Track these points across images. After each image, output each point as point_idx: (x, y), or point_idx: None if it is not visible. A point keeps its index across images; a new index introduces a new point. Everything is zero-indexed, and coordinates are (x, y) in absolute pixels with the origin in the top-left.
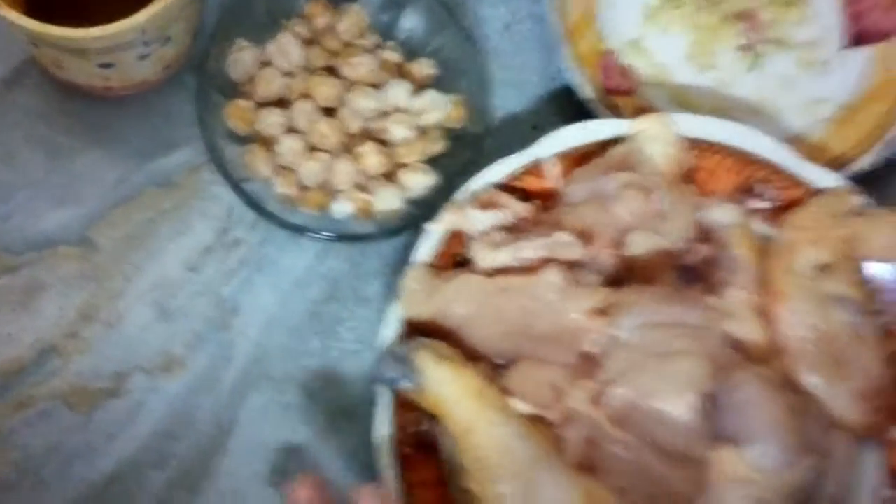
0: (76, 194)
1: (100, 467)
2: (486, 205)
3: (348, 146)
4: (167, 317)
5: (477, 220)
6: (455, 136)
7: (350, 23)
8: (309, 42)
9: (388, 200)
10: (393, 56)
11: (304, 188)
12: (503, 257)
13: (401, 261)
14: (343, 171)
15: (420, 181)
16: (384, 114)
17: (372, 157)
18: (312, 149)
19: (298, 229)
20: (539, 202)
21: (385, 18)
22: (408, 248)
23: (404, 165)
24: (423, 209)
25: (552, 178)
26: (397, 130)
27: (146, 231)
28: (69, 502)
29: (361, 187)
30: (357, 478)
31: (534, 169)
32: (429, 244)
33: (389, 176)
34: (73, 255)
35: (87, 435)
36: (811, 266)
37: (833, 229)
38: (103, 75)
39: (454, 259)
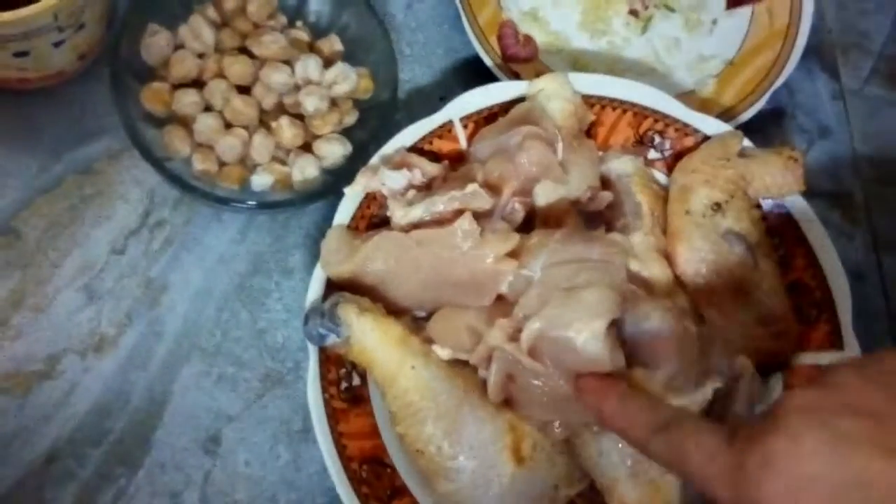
0: None
1: (38, 448)
2: (399, 166)
3: (264, 121)
4: (96, 299)
5: (391, 181)
6: (365, 108)
7: (259, 4)
8: (220, 24)
9: (305, 170)
10: (302, 34)
11: (223, 164)
12: (417, 212)
13: (321, 231)
14: (260, 145)
15: (334, 150)
16: (296, 88)
17: (287, 130)
18: (229, 125)
19: (221, 201)
20: (448, 163)
21: (293, 0)
22: (327, 219)
23: (319, 136)
24: (339, 177)
25: (460, 139)
26: (310, 103)
27: (70, 218)
28: (10, 483)
29: (279, 160)
30: (290, 441)
31: (442, 132)
32: (346, 207)
33: (305, 147)
34: None
35: (23, 418)
36: (705, 205)
37: (723, 170)
38: (19, 65)
39: (371, 220)
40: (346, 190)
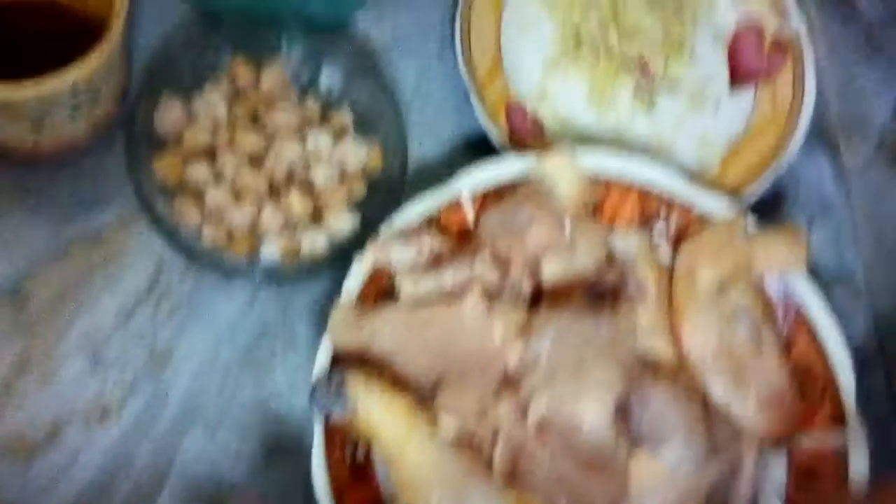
0: (7, 252)
1: None
2: (408, 239)
3: (274, 192)
4: (101, 367)
5: (399, 254)
6: (375, 181)
7: (272, 78)
8: (234, 97)
9: (314, 242)
10: (313, 108)
11: (232, 234)
12: (426, 286)
13: (328, 302)
14: (270, 217)
15: (343, 223)
16: (307, 161)
17: (297, 202)
18: (239, 196)
19: (230, 272)
20: (456, 237)
21: (305, 73)
22: (334, 291)
23: (328, 209)
24: (348, 249)
25: (468, 213)
26: (320, 176)
27: (78, 284)
28: None
29: (288, 232)
30: None
31: (450, 206)
32: (354, 280)
33: (315, 219)
34: (5, 311)
35: (26, 486)
36: (710, 284)
37: (728, 249)
38: (33, 135)
39: (379, 293)
40: (355, 263)
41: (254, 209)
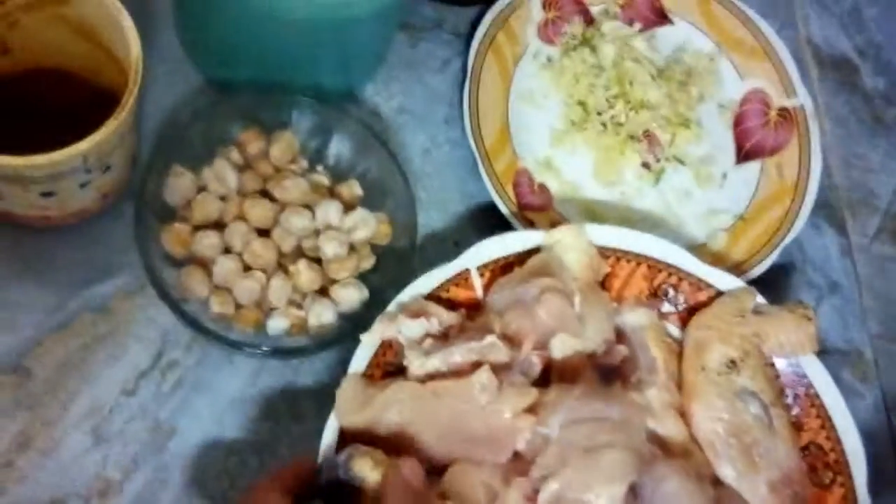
0: (11, 322)
1: None
2: (416, 314)
3: (282, 264)
4: (103, 442)
5: (408, 329)
6: (383, 253)
7: (282, 148)
8: (243, 167)
9: (321, 315)
10: (322, 179)
11: (239, 306)
12: (434, 363)
13: (333, 376)
14: (278, 289)
15: (351, 296)
16: (316, 232)
17: (305, 275)
18: (247, 268)
19: (235, 345)
20: (465, 311)
21: (315, 144)
22: (339, 364)
23: (336, 281)
24: (355, 323)
25: (476, 288)
26: (329, 248)
27: (82, 357)
28: None
29: (295, 303)
30: None
31: (459, 280)
32: (363, 354)
33: (323, 292)
34: (8, 384)
35: None
36: (720, 363)
37: (737, 327)
38: (43, 204)
39: (387, 368)
40: (363, 337)
41: (261, 281)
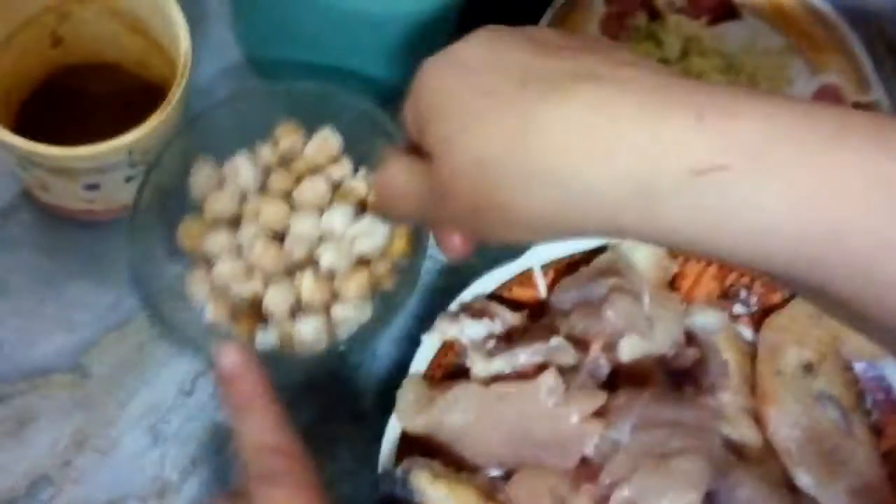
0: (68, 321)
1: None
2: (479, 314)
3: (292, 273)
4: (161, 442)
5: (470, 330)
6: (398, 263)
7: (318, 146)
8: (276, 164)
9: (305, 333)
10: (358, 185)
11: (236, 313)
12: (499, 364)
13: (391, 376)
14: (274, 298)
15: (348, 317)
16: (328, 238)
17: (307, 286)
18: (251, 272)
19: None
20: (528, 312)
21: (364, 146)
22: (397, 364)
23: (340, 298)
24: (359, 341)
25: (540, 287)
26: (326, 258)
27: (139, 356)
28: None
29: (294, 316)
30: None
31: (523, 279)
32: (423, 355)
33: (336, 298)
34: (66, 383)
35: None
36: (797, 366)
37: (814, 330)
38: (87, 198)
39: (447, 370)
40: (424, 337)
41: (258, 288)
